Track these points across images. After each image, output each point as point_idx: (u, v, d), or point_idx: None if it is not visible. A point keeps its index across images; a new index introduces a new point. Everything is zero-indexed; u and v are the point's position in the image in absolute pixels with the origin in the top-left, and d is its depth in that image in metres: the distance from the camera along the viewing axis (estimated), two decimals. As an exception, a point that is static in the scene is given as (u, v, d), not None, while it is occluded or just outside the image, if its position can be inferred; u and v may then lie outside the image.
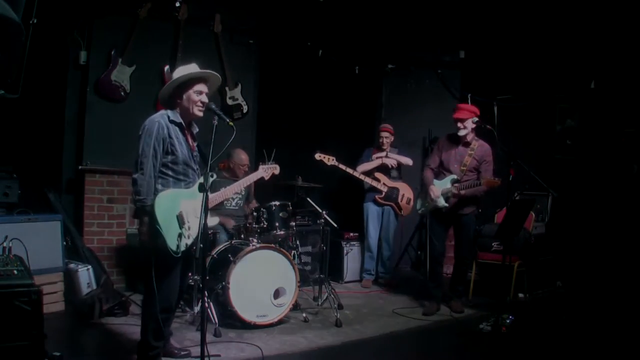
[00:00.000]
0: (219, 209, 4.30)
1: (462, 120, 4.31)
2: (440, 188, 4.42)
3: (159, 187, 2.88)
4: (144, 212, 2.84)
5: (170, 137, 2.90)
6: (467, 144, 4.43)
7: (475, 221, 4.60)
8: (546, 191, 5.23)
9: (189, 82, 2.95)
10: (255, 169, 3.97)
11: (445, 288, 4.72)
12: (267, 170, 3.90)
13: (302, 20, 5.77)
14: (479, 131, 4.44)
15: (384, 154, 5.46)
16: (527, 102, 5.74)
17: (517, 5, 5.34)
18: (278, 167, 3.96)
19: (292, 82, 6.16)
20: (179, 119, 2.98)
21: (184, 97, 2.96)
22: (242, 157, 4.68)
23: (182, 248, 2.87)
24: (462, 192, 4.28)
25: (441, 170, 4.53)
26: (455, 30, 5.94)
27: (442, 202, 4.39)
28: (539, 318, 4.31)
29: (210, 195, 3.26)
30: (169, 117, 2.94)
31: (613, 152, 5.20)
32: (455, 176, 4.38)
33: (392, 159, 5.44)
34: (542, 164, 5.50)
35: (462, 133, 4.36)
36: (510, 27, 5.58)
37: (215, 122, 2.86)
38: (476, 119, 4.34)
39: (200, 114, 3.00)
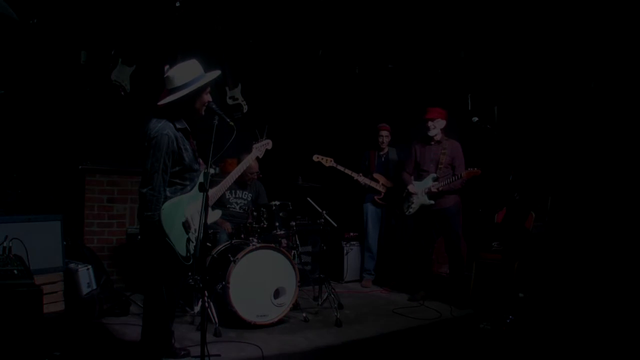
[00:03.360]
0: (222, 209, 4.31)
1: (433, 120, 4.73)
2: (422, 187, 4.79)
3: (168, 194, 2.84)
4: (152, 227, 2.77)
5: (179, 148, 2.82)
6: (438, 143, 4.81)
7: (459, 213, 4.85)
8: (546, 191, 5.24)
9: (207, 85, 2.90)
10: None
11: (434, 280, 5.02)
12: (260, 148, 3.85)
13: (302, 19, 5.77)
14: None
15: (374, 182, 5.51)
16: (526, 102, 5.74)
17: (517, 5, 5.34)
18: (270, 142, 3.89)
19: (292, 82, 6.16)
20: (184, 124, 2.90)
21: (197, 100, 2.89)
22: (252, 164, 4.66)
23: (192, 251, 2.90)
24: (440, 187, 4.67)
25: (419, 172, 4.90)
26: (456, 30, 5.94)
27: (426, 200, 4.76)
28: (539, 318, 4.31)
29: (211, 191, 3.26)
30: (175, 125, 2.84)
31: (613, 152, 5.20)
32: (435, 175, 4.75)
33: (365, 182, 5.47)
34: (542, 164, 5.50)
35: (432, 133, 4.76)
36: (511, 27, 5.58)
37: (216, 122, 2.84)
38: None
39: (204, 112, 2.97)
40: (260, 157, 3.88)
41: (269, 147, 3.90)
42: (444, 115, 4.79)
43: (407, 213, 4.94)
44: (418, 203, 4.83)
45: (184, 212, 2.90)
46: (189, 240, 2.88)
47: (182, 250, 2.84)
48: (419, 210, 4.86)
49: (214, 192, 3.59)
